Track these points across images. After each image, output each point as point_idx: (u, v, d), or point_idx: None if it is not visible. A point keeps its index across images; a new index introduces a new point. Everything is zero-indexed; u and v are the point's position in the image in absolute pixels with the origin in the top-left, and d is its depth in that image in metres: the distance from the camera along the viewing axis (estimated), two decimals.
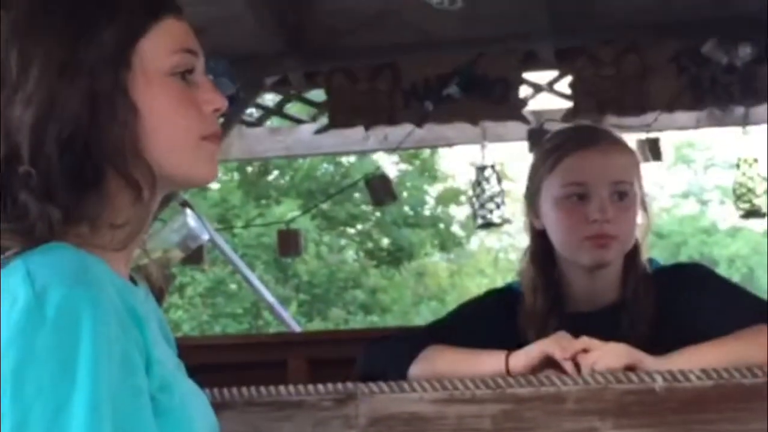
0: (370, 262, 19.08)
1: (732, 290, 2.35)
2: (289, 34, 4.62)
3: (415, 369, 2.14)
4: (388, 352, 2.27)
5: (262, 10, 4.41)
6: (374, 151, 6.01)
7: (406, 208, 18.79)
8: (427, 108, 4.54)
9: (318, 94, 5.39)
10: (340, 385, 1.70)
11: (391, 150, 5.51)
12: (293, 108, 5.83)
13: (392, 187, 5.31)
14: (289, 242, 5.69)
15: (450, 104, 4.53)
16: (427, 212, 19.45)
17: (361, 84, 4.65)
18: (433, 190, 19.57)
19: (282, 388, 1.75)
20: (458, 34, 4.41)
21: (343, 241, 19.19)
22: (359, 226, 19.22)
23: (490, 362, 2.08)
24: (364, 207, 17.20)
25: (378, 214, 17.81)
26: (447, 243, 19.82)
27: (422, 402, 1.66)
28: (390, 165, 17.85)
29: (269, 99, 6.05)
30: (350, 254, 19.31)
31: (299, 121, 5.83)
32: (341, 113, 4.74)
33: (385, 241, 19.26)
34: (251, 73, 4.80)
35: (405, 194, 18.13)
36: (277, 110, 5.74)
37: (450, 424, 1.65)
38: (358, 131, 4.94)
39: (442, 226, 19.72)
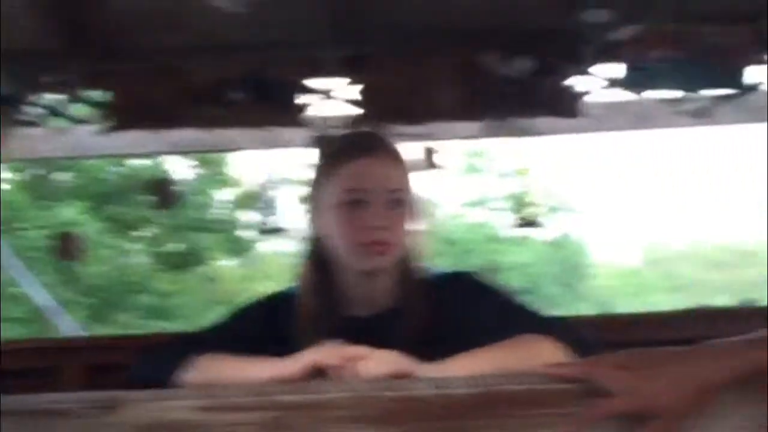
0: (160, 266, 18.91)
1: (504, 300, 2.39)
2: (72, 32, 4.51)
3: (187, 376, 2.13)
4: (159, 359, 2.25)
5: (42, 7, 4.28)
6: (159, 154, 5.90)
7: (196, 213, 18.68)
8: (213, 112, 4.50)
9: (102, 95, 5.26)
10: (105, 393, 1.66)
11: (176, 153, 5.45)
12: (76, 109, 5.67)
13: (176, 190, 5.25)
14: (70, 246, 5.58)
15: (236, 109, 4.51)
16: (217, 216, 19.34)
17: (146, 86, 4.57)
18: (224, 195, 19.49)
19: (45, 395, 1.70)
20: (246, 39, 4.38)
21: (131, 245, 18.96)
22: (148, 230, 18.99)
23: (262, 369, 2.07)
24: (153, 211, 16.96)
25: (168, 217, 17.64)
26: (237, 247, 19.78)
27: (188, 409, 1.64)
28: (182, 168, 17.76)
29: (51, 99, 5.87)
30: (139, 258, 19.07)
31: (82, 122, 5.67)
32: (126, 115, 4.65)
33: (175, 246, 19.10)
34: (31, 72, 4.66)
35: (195, 198, 18.05)
36: (59, 110, 5.58)
37: (216, 426, 1.63)
38: (144, 134, 4.85)
39: (232, 230, 19.69)
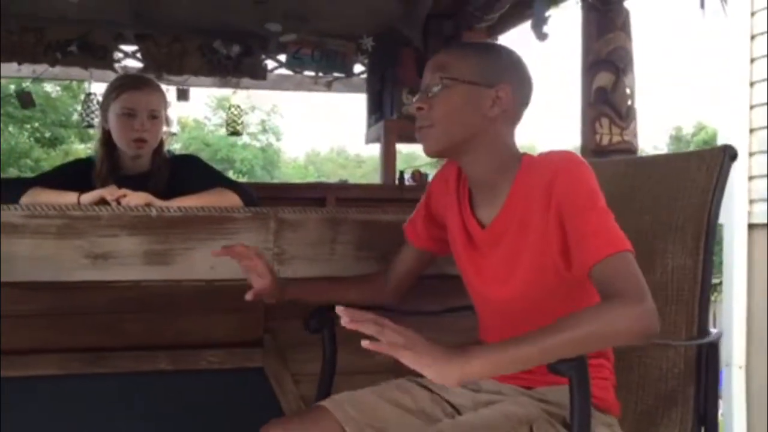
0: (37, 145, 17.44)
1: (212, 170, 2.39)
2: None
3: (24, 199, 2.05)
4: (11, 189, 2.13)
5: None
6: (25, 77, 5.32)
7: (60, 115, 17.29)
8: (58, 56, 4.18)
9: None
10: None
11: (36, 78, 4.97)
12: None
13: (32, 98, 4.82)
14: None
15: (72, 57, 4.19)
16: (73, 118, 17.79)
17: (15, 37, 4.16)
18: (77, 103, 18.04)
19: None
20: (78, 16, 4.02)
21: (21, 132, 17.39)
22: (29, 123, 17.39)
23: (69, 197, 2.03)
24: (29, 111, 15.45)
25: (43, 116, 16.35)
26: (84, 136, 18.34)
27: (17, 216, 1.59)
28: (48, 87, 16.43)
29: None
30: (25, 139, 17.48)
31: None
32: (4, 53, 4.21)
33: (47, 133, 17.56)
34: None
35: (60, 106, 16.86)
36: None
37: (31, 227, 1.58)
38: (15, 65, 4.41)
39: (80, 125, 18.32)
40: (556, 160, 1.21)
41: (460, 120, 1.25)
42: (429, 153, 1.31)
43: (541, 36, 2.75)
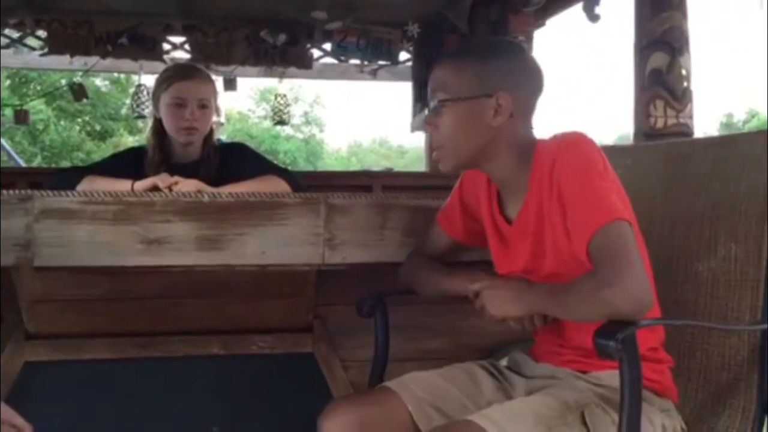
0: (88, 138, 17.90)
1: (259, 157, 2.39)
2: None
3: (80, 186, 2.08)
4: (67, 177, 2.17)
5: None
6: (77, 70, 5.44)
7: (110, 108, 17.70)
8: (109, 49, 4.25)
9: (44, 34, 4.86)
10: (22, 191, 1.58)
11: (84, 71, 5.07)
12: (29, 40, 5.18)
13: (86, 91, 4.93)
14: (19, 118, 5.20)
15: (122, 49, 4.27)
16: (122, 111, 18.22)
17: (69, 30, 4.25)
18: (125, 97, 18.47)
19: None
20: (128, 8, 4.11)
21: (72, 125, 17.87)
22: (80, 117, 17.85)
23: (123, 185, 2.05)
24: (80, 105, 15.84)
25: (94, 110, 16.76)
26: (134, 128, 18.78)
27: (73, 203, 1.61)
28: (98, 82, 16.82)
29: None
30: (76, 132, 17.97)
31: (33, 48, 5.21)
32: (56, 46, 4.33)
33: (98, 126, 18.01)
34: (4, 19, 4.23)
35: (109, 99, 17.19)
36: (19, 40, 5.09)
37: (88, 213, 1.60)
38: (68, 58, 4.51)
39: (130, 119, 18.83)
40: (555, 144, 1.21)
41: (466, 136, 1.26)
42: (446, 171, 1.33)
43: (594, 18, 2.69)
